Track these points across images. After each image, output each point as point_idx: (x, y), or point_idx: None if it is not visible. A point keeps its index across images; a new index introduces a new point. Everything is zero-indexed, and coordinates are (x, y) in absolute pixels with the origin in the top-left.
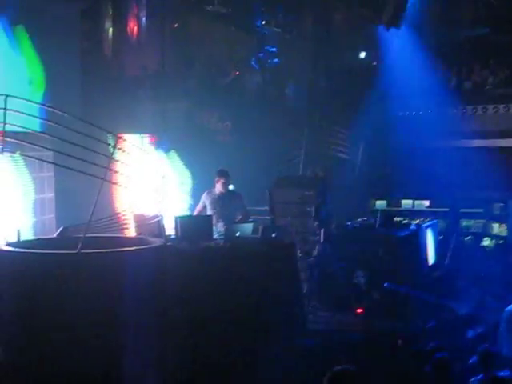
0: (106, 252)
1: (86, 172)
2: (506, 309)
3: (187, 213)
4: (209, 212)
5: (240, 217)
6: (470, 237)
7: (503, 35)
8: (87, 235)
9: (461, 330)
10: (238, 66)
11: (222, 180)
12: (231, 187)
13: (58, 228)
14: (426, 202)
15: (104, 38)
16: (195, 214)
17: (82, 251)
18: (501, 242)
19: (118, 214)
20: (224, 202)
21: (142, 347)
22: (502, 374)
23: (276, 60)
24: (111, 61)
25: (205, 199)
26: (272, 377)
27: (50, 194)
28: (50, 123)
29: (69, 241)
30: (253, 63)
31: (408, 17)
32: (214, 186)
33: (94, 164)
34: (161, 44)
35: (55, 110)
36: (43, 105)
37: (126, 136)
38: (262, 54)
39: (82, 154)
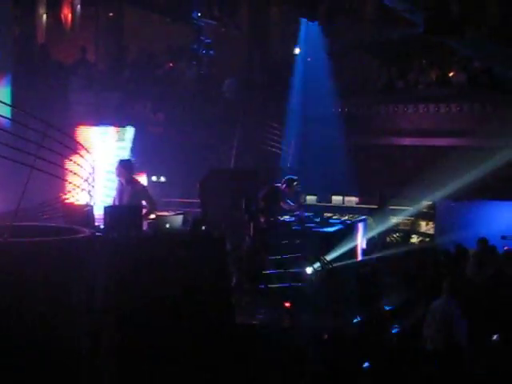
0: (34, 241)
1: (15, 159)
2: (431, 305)
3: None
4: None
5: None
6: (398, 234)
7: (436, 36)
8: (15, 223)
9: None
10: (173, 57)
11: (119, 170)
12: (162, 179)
13: None
14: (356, 199)
15: (37, 25)
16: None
17: (9, 239)
18: (427, 239)
19: (48, 202)
20: (124, 192)
21: (68, 337)
22: None
23: (211, 52)
24: (44, 48)
25: (116, 189)
26: (197, 368)
27: None
28: None
29: None
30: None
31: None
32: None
33: (23, 151)
34: (95, 33)
35: None
36: None
37: (57, 124)
38: (197, 46)
39: (11, 140)
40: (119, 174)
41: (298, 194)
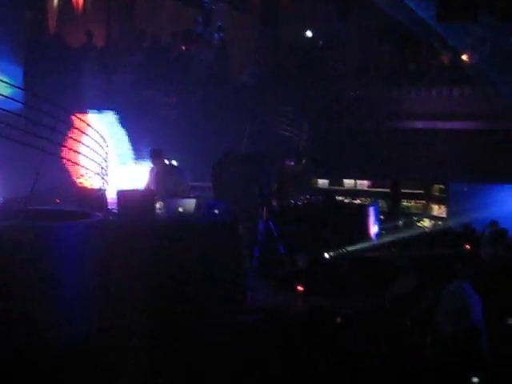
0: (48, 225)
1: (27, 142)
2: (444, 289)
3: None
4: (152, 187)
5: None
6: (410, 217)
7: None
8: (28, 207)
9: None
10: (185, 40)
11: (153, 159)
12: (174, 163)
13: None
14: (368, 182)
15: (49, 9)
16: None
17: (24, 223)
18: (440, 223)
19: (61, 186)
20: (161, 177)
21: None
22: None
23: (222, 35)
24: (56, 32)
25: (149, 175)
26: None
27: None
28: None
29: (10, 213)
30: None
31: None
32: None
33: (35, 135)
34: (107, 16)
35: None
36: None
37: (70, 109)
38: (208, 29)
39: (24, 125)
40: (154, 163)
41: (309, 173)
